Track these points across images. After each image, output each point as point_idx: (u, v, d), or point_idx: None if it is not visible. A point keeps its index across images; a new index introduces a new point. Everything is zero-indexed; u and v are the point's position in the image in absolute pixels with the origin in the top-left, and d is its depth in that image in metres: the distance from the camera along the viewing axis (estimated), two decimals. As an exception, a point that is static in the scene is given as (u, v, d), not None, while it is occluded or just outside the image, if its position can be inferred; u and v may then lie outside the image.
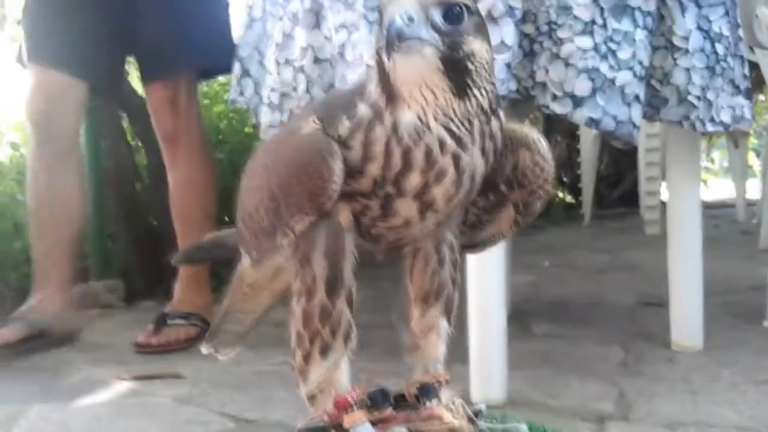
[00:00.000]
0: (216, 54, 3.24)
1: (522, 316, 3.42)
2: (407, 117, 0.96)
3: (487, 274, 2.30)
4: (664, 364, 2.72)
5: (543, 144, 1.07)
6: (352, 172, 0.97)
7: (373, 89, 0.99)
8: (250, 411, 2.40)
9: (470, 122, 0.98)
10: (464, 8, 0.99)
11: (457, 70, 0.97)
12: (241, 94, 2.99)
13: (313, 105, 1.07)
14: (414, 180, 0.98)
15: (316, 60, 2.61)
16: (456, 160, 0.98)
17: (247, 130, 5.12)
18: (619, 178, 8.00)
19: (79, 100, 3.32)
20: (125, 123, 4.79)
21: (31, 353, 3.04)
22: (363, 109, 0.98)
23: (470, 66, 0.97)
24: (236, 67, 3.00)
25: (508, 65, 2.21)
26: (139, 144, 4.81)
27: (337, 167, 0.95)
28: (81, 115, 3.46)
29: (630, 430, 2.13)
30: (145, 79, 3.51)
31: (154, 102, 3.46)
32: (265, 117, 2.76)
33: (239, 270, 1.24)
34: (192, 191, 3.45)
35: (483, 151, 1.00)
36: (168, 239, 4.36)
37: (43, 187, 3.25)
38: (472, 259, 2.22)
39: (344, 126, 0.98)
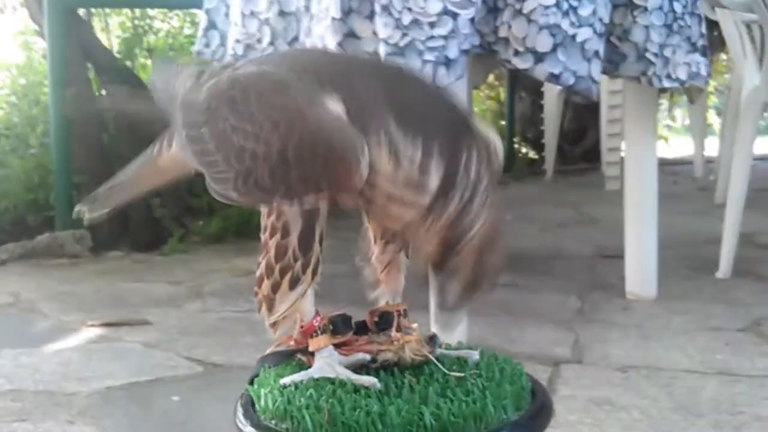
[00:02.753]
0: None
1: (483, 267, 3.50)
2: None
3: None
4: (618, 312, 2.82)
5: (500, 146, 1.11)
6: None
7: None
8: (217, 355, 2.47)
9: None
10: None
11: None
12: (207, 45, 2.99)
13: (319, 74, 1.02)
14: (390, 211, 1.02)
15: (282, 13, 2.63)
16: None
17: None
18: (582, 134, 8.07)
19: None
20: (91, 74, 4.78)
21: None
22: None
23: None
24: (203, 19, 3.01)
25: (472, 20, 2.26)
26: (105, 95, 4.80)
27: (366, 164, 0.97)
28: None
29: (583, 372, 2.23)
30: None
31: None
32: (229, 68, 2.78)
33: (152, 154, 1.26)
34: None
35: None
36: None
37: None
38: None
39: (411, 155, 0.98)
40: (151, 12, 5.49)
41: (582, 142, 8.11)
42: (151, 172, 1.31)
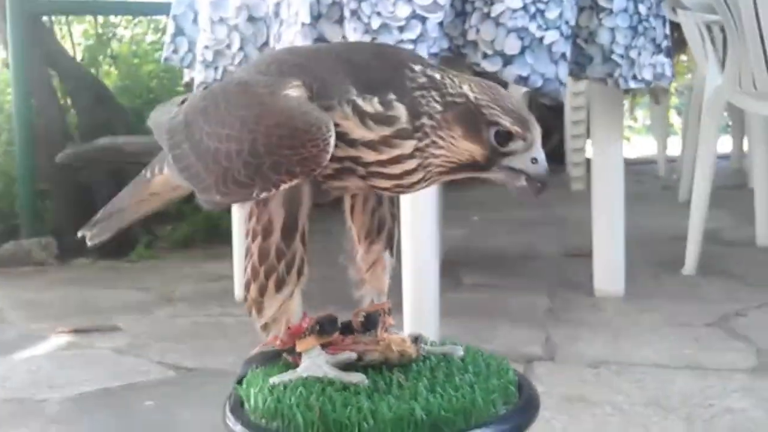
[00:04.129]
0: None
1: (453, 268, 3.52)
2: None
3: (420, 228, 2.36)
4: (588, 310, 2.85)
5: None
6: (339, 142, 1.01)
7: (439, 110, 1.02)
8: (189, 360, 2.46)
9: None
10: None
11: None
12: (175, 52, 2.99)
13: (281, 65, 1.07)
14: (393, 171, 1.03)
15: (251, 18, 2.63)
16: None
17: (178, 89, 5.10)
18: (546, 136, 8.08)
19: None
20: (55, 82, 4.74)
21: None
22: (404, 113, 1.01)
23: None
24: (170, 26, 3.01)
25: (441, 24, 2.28)
26: (70, 103, 4.77)
27: (332, 139, 0.99)
28: None
29: (556, 369, 2.25)
30: None
31: None
32: (199, 75, 2.78)
33: (145, 178, 1.29)
34: None
35: None
36: (99, 196, 4.36)
37: None
38: (405, 215, 2.30)
39: (371, 104, 1.00)
40: (114, 19, 5.46)
41: (546, 143, 8.15)
42: (146, 197, 1.34)
